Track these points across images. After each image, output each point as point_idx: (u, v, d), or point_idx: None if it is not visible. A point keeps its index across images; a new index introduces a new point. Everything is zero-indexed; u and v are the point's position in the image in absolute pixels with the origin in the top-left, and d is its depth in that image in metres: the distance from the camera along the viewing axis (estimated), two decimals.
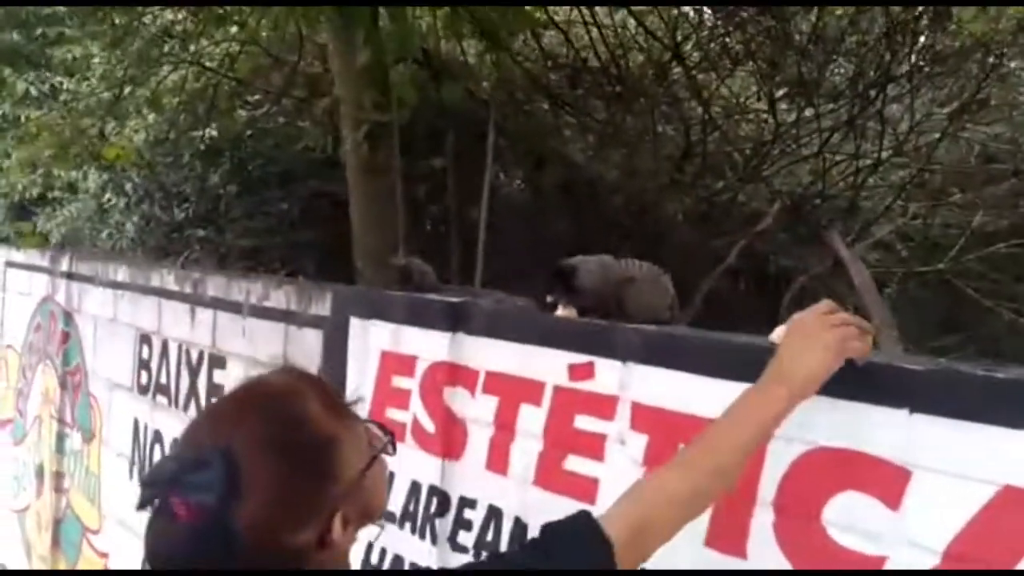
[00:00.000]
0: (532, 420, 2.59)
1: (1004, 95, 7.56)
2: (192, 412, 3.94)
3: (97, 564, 4.64)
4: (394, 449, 1.64)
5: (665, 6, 6.83)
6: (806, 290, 7.21)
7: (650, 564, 1.81)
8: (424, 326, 2.89)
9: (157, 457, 4.13)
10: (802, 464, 2.02)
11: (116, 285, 4.53)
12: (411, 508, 2.89)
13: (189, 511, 1.31)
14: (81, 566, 4.84)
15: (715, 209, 7.77)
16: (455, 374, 2.80)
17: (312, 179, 7.10)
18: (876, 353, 2.01)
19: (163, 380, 4.13)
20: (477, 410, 2.74)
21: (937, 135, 7.24)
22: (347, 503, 1.47)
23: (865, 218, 7.63)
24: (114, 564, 4.49)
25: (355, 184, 4.30)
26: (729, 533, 2.12)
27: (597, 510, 2.40)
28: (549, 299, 2.86)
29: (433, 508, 2.82)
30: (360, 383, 3.10)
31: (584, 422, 2.47)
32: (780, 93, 7.25)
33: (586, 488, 2.44)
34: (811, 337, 1.87)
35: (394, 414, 2.96)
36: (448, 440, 2.79)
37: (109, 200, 7.99)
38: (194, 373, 3.91)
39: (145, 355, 4.28)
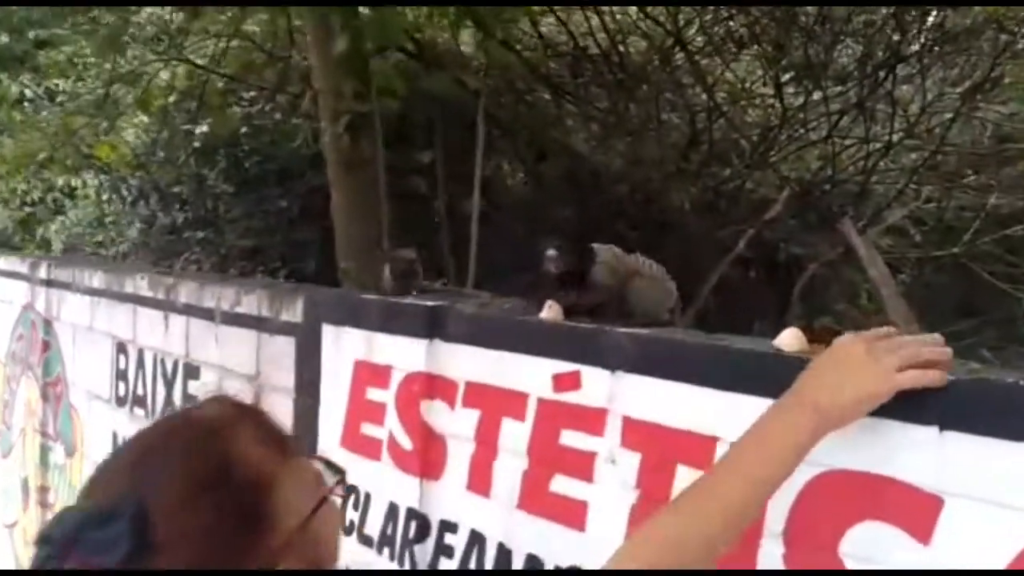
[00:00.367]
0: (515, 436, 2.30)
1: (1018, 72, 7.21)
2: None
3: None
4: (346, 490, 1.36)
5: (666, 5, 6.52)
6: (817, 279, 6.92)
7: None
8: (399, 332, 2.60)
9: None
10: (815, 489, 1.72)
11: (93, 292, 4.28)
12: (388, 532, 2.60)
13: None
14: None
15: (722, 198, 7.46)
16: (433, 385, 2.51)
17: (310, 175, 6.83)
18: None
19: (140, 391, 3.88)
20: (457, 425, 2.45)
21: (949, 116, 6.89)
22: (288, 556, 1.20)
23: (877, 203, 7.30)
24: None
25: (336, 178, 4.01)
26: (733, 568, 1.82)
27: (586, 537, 2.13)
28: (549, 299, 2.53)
29: (412, 533, 2.53)
30: (334, 396, 2.81)
31: (571, 438, 2.18)
32: (787, 77, 6.92)
33: (574, 512, 2.15)
34: (859, 364, 1.55)
35: (369, 430, 2.68)
36: (426, 458, 2.50)
37: (107, 204, 7.77)
38: (169, 384, 3.66)
39: (122, 365, 4.02)
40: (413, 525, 2.53)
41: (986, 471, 1.50)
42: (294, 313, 2.99)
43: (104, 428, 4.09)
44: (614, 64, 6.80)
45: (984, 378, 1.57)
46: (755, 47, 6.73)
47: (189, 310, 3.55)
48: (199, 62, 6.23)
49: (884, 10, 6.45)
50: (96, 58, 5.98)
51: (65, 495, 4.53)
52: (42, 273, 4.77)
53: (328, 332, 2.85)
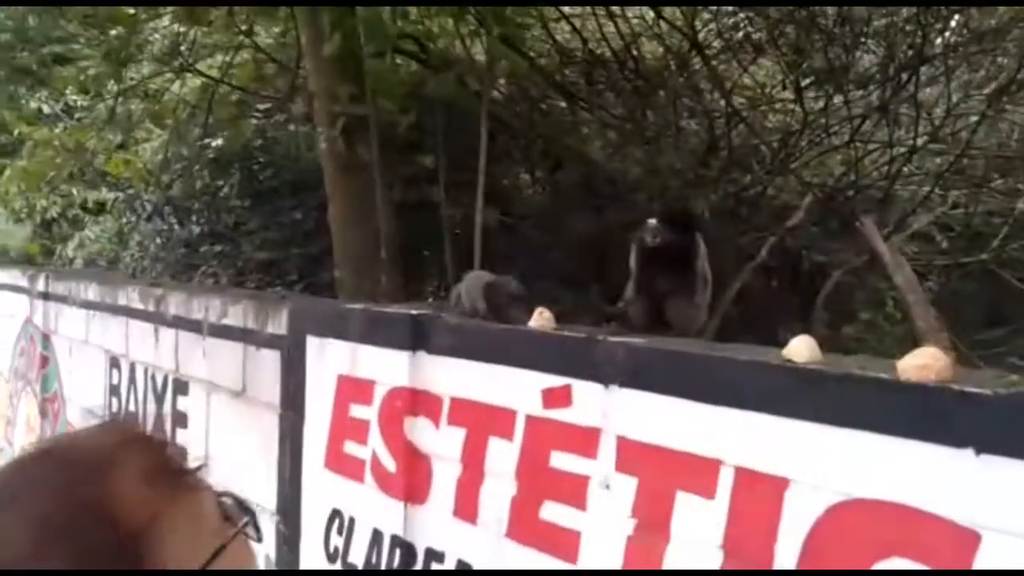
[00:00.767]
0: (503, 457, 2.06)
1: None
2: None
3: None
4: (258, 534, 1.13)
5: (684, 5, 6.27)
6: (842, 286, 6.63)
7: None
8: (382, 344, 2.37)
9: None
10: (832, 520, 1.48)
11: (88, 304, 4.11)
12: (373, 561, 2.37)
13: None
14: None
15: (743, 205, 7.17)
16: (416, 401, 2.28)
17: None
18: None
19: (131, 407, 3.70)
20: (442, 444, 2.22)
21: (975, 118, 6.58)
22: None
23: (902, 208, 6.99)
24: None
25: (332, 185, 3.81)
26: None
27: (579, 569, 1.89)
28: (649, 236, 2.10)
29: (397, 561, 2.30)
30: (318, 412, 2.59)
31: (562, 460, 1.94)
32: (807, 81, 6.64)
33: (566, 542, 1.91)
34: None
35: (352, 449, 2.46)
36: (411, 481, 2.27)
37: (127, 221, 7.64)
38: (159, 400, 3.47)
39: (115, 380, 3.84)
40: (398, 553, 2.29)
41: None
42: (279, 324, 2.78)
43: None
44: (629, 70, 6.57)
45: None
46: (774, 51, 6.47)
47: (178, 322, 3.36)
48: (212, 75, 6.06)
49: (906, 11, 6.18)
50: (103, 71, 5.83)
51: None
52: (40, 286, 4.61)
53: (312, 344, 2.63)
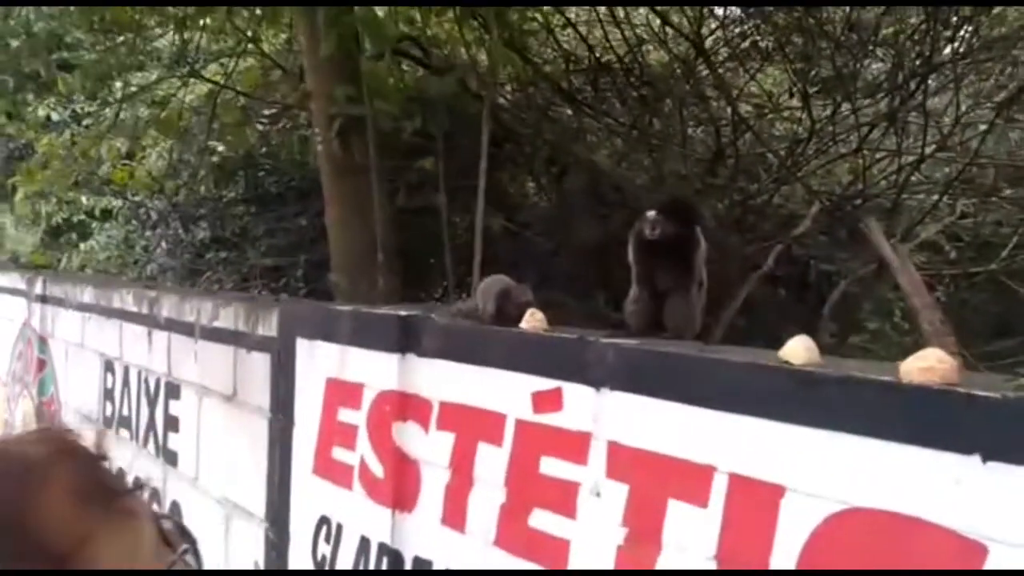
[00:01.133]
0: (492, 463, 1.98)
1: None
2: (151, 447, 3.41)
3: None
4: (197, 561, 1.05)
5: (690, 5, 6.20)
6: (849, 296, 6.53)
7: None
8: (371, 346, 2.29)
9: None
10: (830, 530, 1.39)
11: (84, 307, 4.05)
12: (360, 568, 2.28)
13: None
14: None
15: (750, 213, 7.08)
16: (405, 405, 2.20)
17: None
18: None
19: (125, 411, 3.63)
20: (431, 450, 2.14)
21: (984, 127, 6.48)
22: None
23: (910, 218, 6.89)
24: None
25: (329, 187, 3.75)
26: None
27: None
28: (648, 228, 1.98)
29: (384, 569, 2.21)
30: (307, 416, 2.51)
31: (551, 466, 1.85)
32: (814, 89, 6.55)
33: (555, 552, 1.82)
34: None
35: (341, 455, 2.38)
36: (399, 488, 2.19)
37: (133, 228, 7.61)
38: (152, 403, 3.41)
39: (109, 383, 3.78)
40: (385, 561, 2.21)
41: None
42: (270, 327, 2.70)
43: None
44: (636, 77, 6.50)
45: None
46: (781, 59, 6.39)
47: (171, 325, 3.29)
48: (217, 81, 6.01)
49: (915, 19, 6.10)
50: (106, 77, 5.79)
51: None
52: (38, 289, 4.56)
53: (302, 347, 2.56)
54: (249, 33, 5.85)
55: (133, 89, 5.93)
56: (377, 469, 2.24)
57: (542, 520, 1.85)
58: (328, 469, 2.42)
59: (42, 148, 6.23)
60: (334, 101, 3.37)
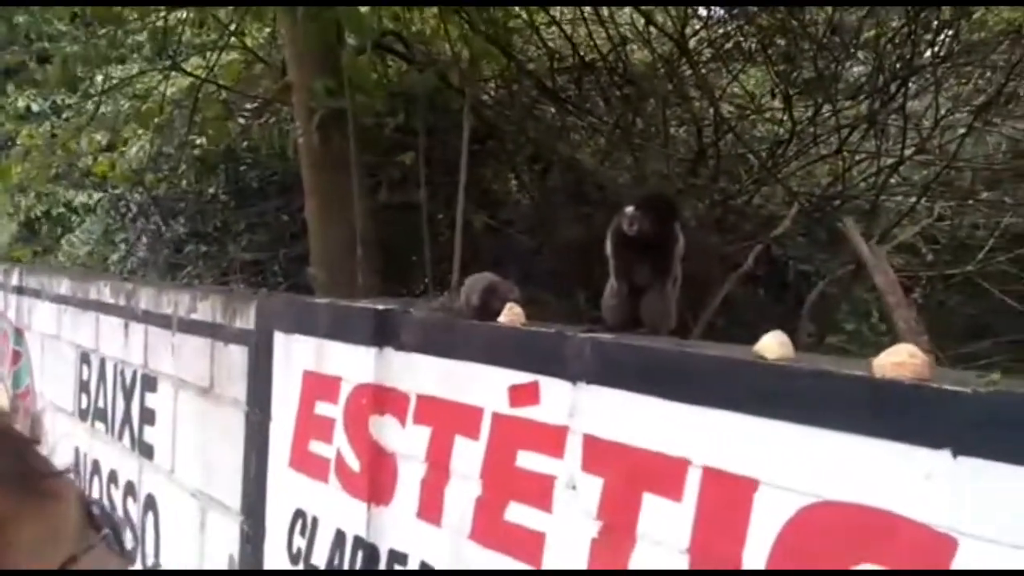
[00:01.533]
0: (468, 456, 1.97)
1: None
2: (126, 440, 3.38)
3: None
4: (121, 548, 1.03)
5: (674, 5, 6.21)
6: (827, 297, 6.56)
7: None
8: (348, 340, 2.28)
9: (96, 489, 3.57)
10: (802, 524, 1.40)
11: (60, 299, 4.01)
12: (335, 562, 2.27)
13: None
14: None
15: (730, 213, 7.10)
16: (383, 398, 2.19)
17: None
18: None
19: (100, 404, 3.60)
20: (407, 443, 2.13)
21: (963, 131, 6.52)
22: None
23: (888, 219, 6.92)
24: None
25: (309, 180, 3.73)
26: None
27: (542, 572, 1.80)
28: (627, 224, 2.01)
29: (359, 563, 2.20)
30: (284, 410, 2.50)
31: (528, 460, 1.85)
32: (796, 91, 6.57)
33: (530, 544, 1.82)
34: None
35: (317, 448, 2.36)
36: (375, 481, 2.18)
37: (113, 222, 7.54)
38: (128, 396, 3.38)
39: (85, 375, 3.75)
40: (360, 555, 2.20)
41: (1012, 506, 1.17)
42: (247, 320, 2.68)
43: (67, 442, 3.80)
44: (619, 76, 6.50)
45: (1007, 391, 1.23)
46: (764, 60, 6.41)
47: (148, 317, 3.27)
48: (198, 74, 5.96)
49: (896, 22, 6.13)
50: (87, 68, 5.73)
51: None
52: (14, 280, 4.51)
53: (279, 340, 2.54)
54: (232, 27, 5.81)
55: (114, 81, 5.87)
56: (353, 462, 2.23)
57: (518, 513, 1.85)
58: (304, 462, 2.41)
59: (22, 139, 6.17)
60: (315, 94, 3.35)
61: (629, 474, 1.65)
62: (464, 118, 3.54)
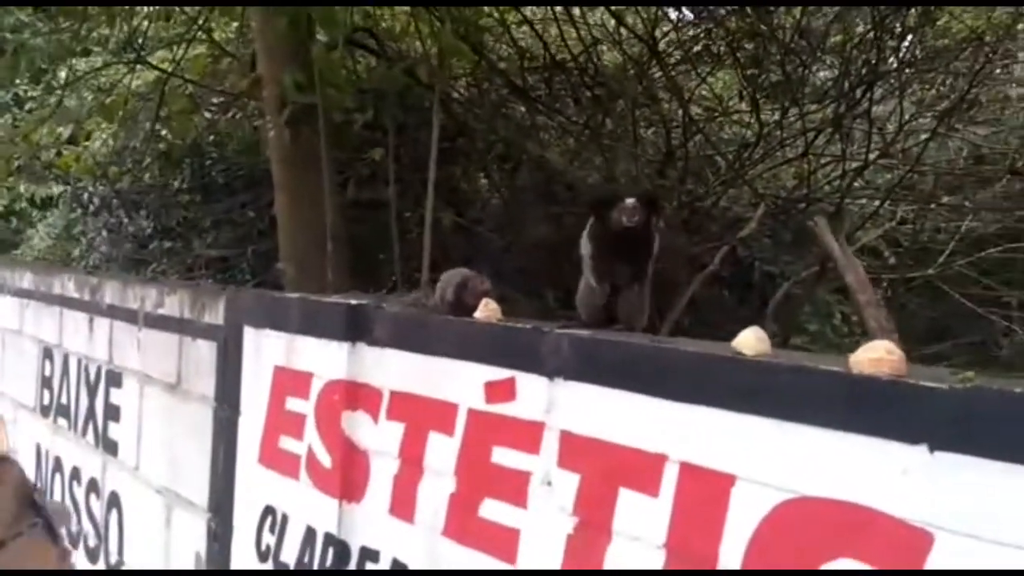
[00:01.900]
0: (442, 453, 1.96)
1: (994, 94, 6.95)
2: (90, 437, 3.32)
3: None
4: (53, 537, 1.03)
5: (644, 5, 6.23)
6: (791, 298, 6.62)
7: None
8: (320, 335, 2.26)
9: (58, 487, 3.51)
10: (778, 518, 1.40)
11: (22, 293, 3.93)
12: (305, 560, 2.25)
13: None
14: None
15: (697, 214, 7.14)
16: (355, 395, 2.17)
17: None
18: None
19: (64, 400, 3.54)
20: (380, 439, 2.11)
21: (926, 135, 6.62)
22: None
23: (852, 222, 7.01)
24: None
25: (279, 176, 3.69)
26: None
27: (517, 569, 1.79)
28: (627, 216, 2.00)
29: (330, 561, 2.18)
30: (254, 406, 2.47)
31: (503, 456, 1.84)
32: (763, 95, 6.63)
33: (505, 541, 1.81)
34: None
35: (288, 444, 2.34)
36: (347, 478, 2.16)
37: (74, 215, 7.40)
38: (92, 393, 3.32)
39: (48, 371, 3.68)
40: (331, 552, 2.18)
41: (987, 501, 1.18)
42: (216, 315, 2.65)
43: (29, 440, 3.73)
44: (590, 76, 6.51)
45: (983, 388, 1.24)
46: (733, 63, 6.45)
47: (113, 312, 3.21)
48: (164, 68, 5.88)
49: (862, 27, 6.20)
50: (51, 61, 5.64)
51: None
52: None
53: (249, 335, 2.51)
54: (199, 20, 5.74)
55: (78, 74, 5.77)
56: (325, 459, 2.21)
57: (492, 510, 1.84)
58: (274, 459, 2.38)
59: None
60: (285, 88, 3.31)
61: (606, 470, 1.65)
62: (434, 114, 3.52)
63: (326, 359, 2.22)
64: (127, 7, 4.70)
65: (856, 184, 6.92)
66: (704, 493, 1.49)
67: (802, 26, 6.11)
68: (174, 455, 2.87)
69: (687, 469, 1.52)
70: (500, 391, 1.85)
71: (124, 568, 3.08)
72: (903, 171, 6.85)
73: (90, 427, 3.33)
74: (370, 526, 2.11)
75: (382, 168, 5.42)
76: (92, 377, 3.33)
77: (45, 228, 8.23)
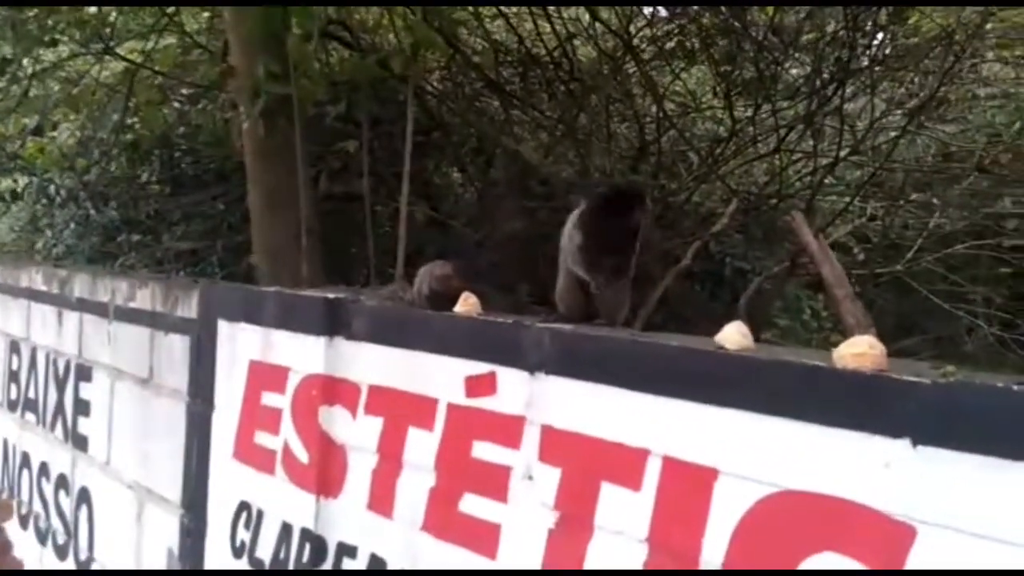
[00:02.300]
0: (422, 447, 1.95)
1: (963, 93, 7.03)
2: (59, 431, 3.27)
3: None
4: None
5: (620, 5, 6.23)
6: (761, 293, 6.67)
7: None
8: (297, 329, 2.24)
9: (25, 482, 3.45)
10: (761, 513, 1.40)
11: None
12: (281, 556, 2.23)
13: None
14: None
15: (670, 210, 7.17)
16: (333, 389, 2.15)
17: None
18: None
19: (31, 394, 3.48)
20: (358, 435, 2.10)
21: (895, 133, 6.69)
22: None
23: (823, 218, 7.06)
24: None
25: (252, 168, 3.65)
26: None
27: (497, 565, 1.78)
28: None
29: (306, 556, 2.16)
30: (228, 400, 2.44)
31: (484, 450, 1.83)
32: (736, 91, 6.65)
33: (485, 536, 1.80)
34: None
35: (263, 439, 2.31)
36: (324, 473, 2.14)
37: (40, 207, 7.27)
38: (61, 387, 3.26)
39: (15, 365, 3.62)
40: (308, 548, 2.16)
41: (969, 495, 1.19)
42: (190, 308, 2.61)
43: None
44: (564, 71, 6.50)
45: (966, 382, 1.25)
46: (706, 59, 6.47)
47: (83, 305, 3.16)
48: (134, 59, 5.79)
49: (834, 24, 6.24)
50: (15, 52, 5.52)
51: None
52: None
53: (224, 329, 2.48)
54: (169, 11, 5.66)
55: (45, 65, 5.67)
56: (301, 454, 2.19)
57: (473, 504, 1.83)
58: (249, 454, 2.36)
59: None
60: (258, 79, 3.27)
61: (588, 464, 1.64)
62: (408, 107, 3.49)
63: (303, 353, 2.20)
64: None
65: (827, 180, 6.98)
66: (687, 487, 1.49)
67: (775, 23, 6.14)
68: (146, 450, 2.83)
69: (670, 463, 1.52)
70: (481, 385, 1.85)
71: (94, 567, 3.04)
72: (873, 168, 6.92)
73: (59, 422, 3.28)
74: (348, 521, 2.09)
75: (354, 161, 5.38)
76: (61, 371, 3.28)
77: (9, 220, 8.09)
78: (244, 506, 2.37)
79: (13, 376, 3.64)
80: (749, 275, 6.91)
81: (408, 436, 1.98)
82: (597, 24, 6.31)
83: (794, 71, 6.98)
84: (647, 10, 6.74)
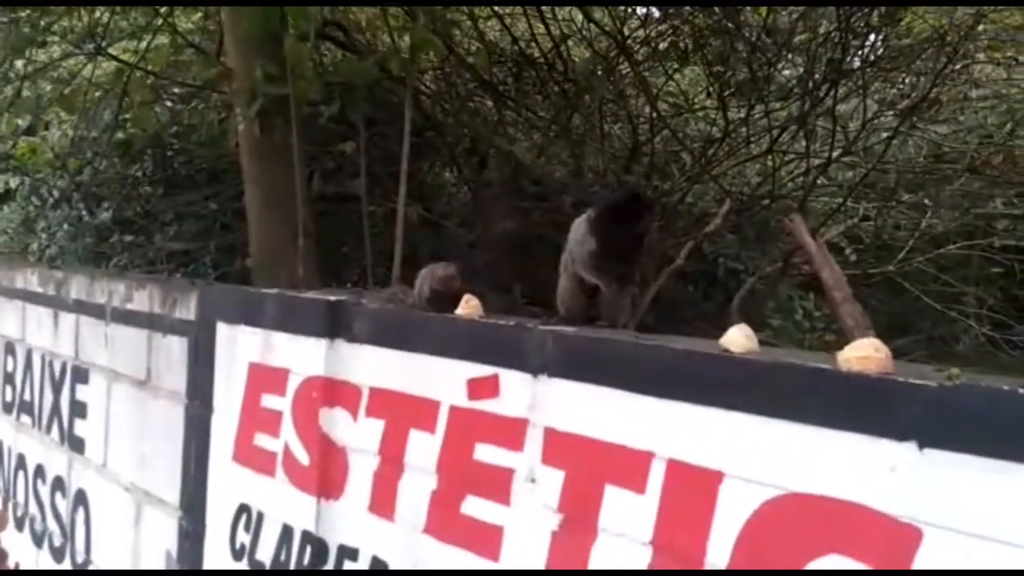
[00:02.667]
0: (424, 450, 1.95)
1: (954, 94, 7.06)
2: (55, 434, 3.26)
3: None
4: None
5: (613, 5, 6.24)
6: (755, 294, 6.69)
7: None
8: (298, 331, 2.23)
9: (21, 485, 3.44)
10: (766, 515, 1.41)
11: None
12: (282, 558, 2.22)
13: None
14: None
15: (663, 210, 7.17)
16: (334, 392, 2.14)
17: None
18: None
19: (27, 396, 3.47)
20: (359, 437, 2.09)
21: (887, 134, 6.71)
22: None
23: (815, 219, 7.09)
24: None
25: (249, 168, 3.65)
26: None
27: (501, 567, 1.79)
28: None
29: (307, 559, 2.16)
30: (227, 402, 2.43)
31: (486, 453, 1.83)
32: (729, 91, 6.67)
33: (488, 538, 1.80)
34: None
35: (264, 441, 2.31)
36: (325, 475, 2.14)
37: (33, 207, 7.25)
38: (57, 389, 3.25)
39: (10, 367, 3.61)
40: (309, 550, 2.16)
41: (975, 497, 1.19)
42: (188, 310, 2.61)
43: None
44: (558, 72, 6.51)
45: (971, 384, 1.25)
46: (699, 60, 6.49)
47: (79, 307, 3.15)
48: (126, 59, 5.78)
49: (826, 25, 6.26)
50: (9, 53, 5.51)
51: None
52: None
53: (223, 331, 2.47)
54: (162, 11, 5.64)
55: (37, 65, 5.65)
56: (302, 456, 2.19)
57: (475, 507, 1.83)
58: (249, 456, 2.35)
59: None
60: (255, 80, 3.27)
61: (591, 467, 1.64)
62: (406, 108, 3.49)
63: (303, 355, 2.20)
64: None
65: (819, 181, 7.00)
66: (691, 490, 1.49)
67: (768, 24, 6.16)
68: (144, 452, 2.82)
69: (674, 466, 1.52)
70: (483, 388, 1.85)
71: (91, 568, 3.03)
72: (865, 169, 6.94)
73: (55, 424, 3.27)
74: (349, 524, 2.09)
75: (348, 162, 5.37)
76: (57, 373, 3.26)
77: (2, 223, 8.06)
78: (244, 508, 2.37)
79: (8, 378, 3.63)
80: (742, 275, 6.93)
81: (410, 438, 1.98)
82: (591, 25, 6.32)
83: (787, 72, 7.01)
84: (640, 11, 6.75)
